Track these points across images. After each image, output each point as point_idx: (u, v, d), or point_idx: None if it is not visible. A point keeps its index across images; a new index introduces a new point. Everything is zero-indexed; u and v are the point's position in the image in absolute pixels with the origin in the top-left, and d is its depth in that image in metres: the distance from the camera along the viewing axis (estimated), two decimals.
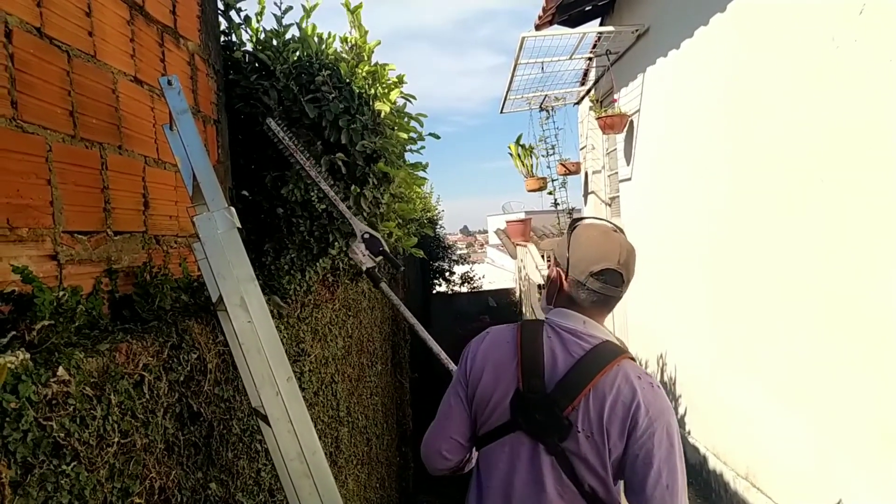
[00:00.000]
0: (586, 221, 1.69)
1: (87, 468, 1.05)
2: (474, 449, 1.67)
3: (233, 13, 2.33)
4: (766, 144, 3.60)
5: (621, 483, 1.54)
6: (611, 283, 1.54)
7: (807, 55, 3.16)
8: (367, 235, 2.34)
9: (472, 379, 1.62)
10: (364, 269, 2.31)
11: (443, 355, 2.35)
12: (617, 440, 1.45)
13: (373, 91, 2.35)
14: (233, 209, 1.41)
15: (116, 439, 1.15)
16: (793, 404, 3.47)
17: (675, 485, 1.42)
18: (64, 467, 1.00)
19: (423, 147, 2.86)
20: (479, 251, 33.47)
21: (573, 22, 6.70)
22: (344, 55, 2.46)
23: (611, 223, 1.67)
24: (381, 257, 2.35)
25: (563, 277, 1.62)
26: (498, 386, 1.56)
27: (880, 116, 2.63)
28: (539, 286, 7.11)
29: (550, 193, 8.17)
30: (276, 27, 2.34)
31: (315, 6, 2.28)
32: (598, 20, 6.99)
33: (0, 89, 1.19)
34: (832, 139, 2.98)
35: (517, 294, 10.43)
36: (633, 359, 1.56)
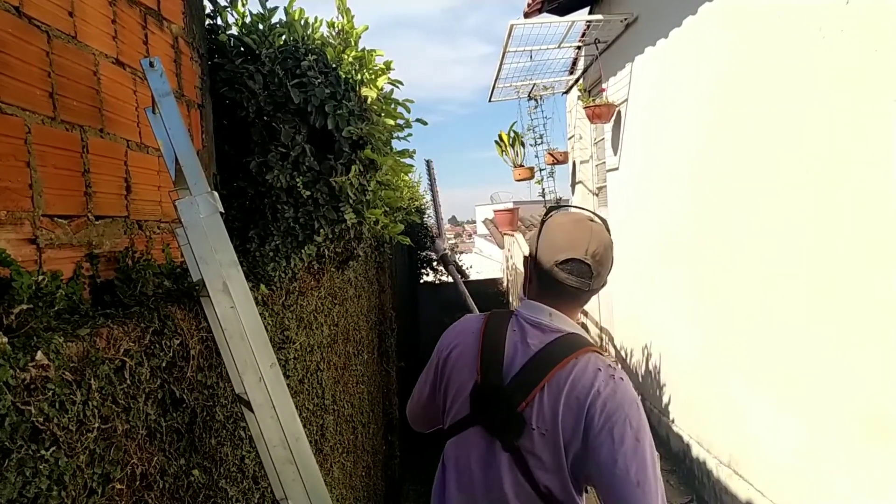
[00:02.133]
0: (561, 209, 1.62)
1: (66, 453, 1.04)
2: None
3: None
4: (753, 134, 3.63)
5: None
6: (576, 275, 1.47)
7: (795, 45, 3.17)
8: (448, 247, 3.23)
9: (440, 366, 1.62)
10: (440, 254, 3.08)
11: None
12: (572, 437, 1.38)
13: (359, 77, 2.33)
14: (215, 193, 1.39)
15: (97, 425, 1.13)
16: (776, 393, 3.51)
17: (646, 482, 1.31)
18: (43, 452, 0.99)
19: (409, 134, 2.85)
20: (468, 241, 33.49)
21: (562, 10, 6.68)
22: (331, 40, 2.44)
23: (590, 212, 1.59)
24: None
25: (533, 266, 1.57)
26: (460, 378, 1.54)
27: (865, 106, 2.65)
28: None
29: (538, 183, 8.19)
30: (261, 11, 2.31)
31: None
32: (588, 8, 6.98)
33: None
34: (819, 129, 3.00)
35: (504, 284, 10.46)
36: (598, 351, 1.48)
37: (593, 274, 1.48)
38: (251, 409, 1.37)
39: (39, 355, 1.03)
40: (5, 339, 0.98)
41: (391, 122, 2.41)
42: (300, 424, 1.42)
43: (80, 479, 1.08)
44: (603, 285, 1.54)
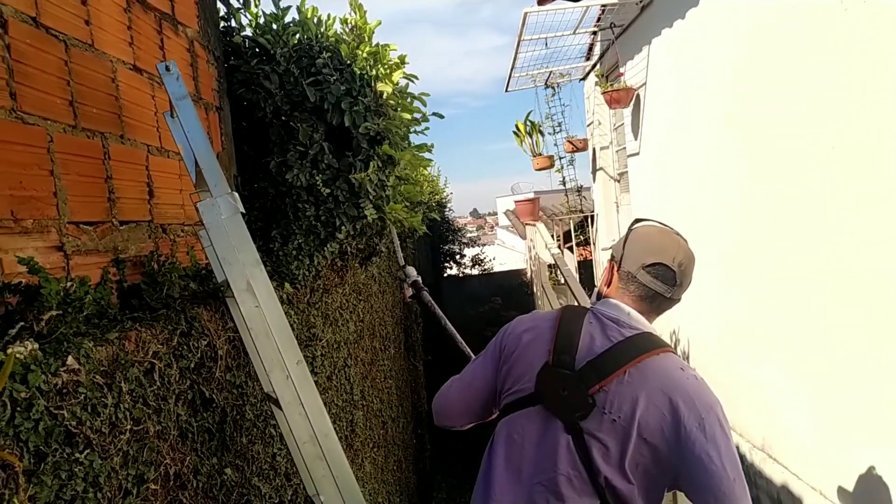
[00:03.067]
0: (649, 221, 1.68)
1: (100, 455, 1.06)
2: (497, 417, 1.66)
3: None
4: (777, 113, 3.55)
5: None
6: (662, 280, 1.53)
7: (817, 19, 3.09)
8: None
9: (505, 353, 1.62)
10: (411, 280, 3.30)
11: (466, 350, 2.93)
12: (656, 433, 1.39)
13: (374, 72, 2.33)
14: (236, 194, 1.40)
15: (129, 426, 1.15)
16: (807, 375, 3.45)
17: (739, 477, 1.39)
18: (77, 455, 1.00)
19: (426, 128, 2.84)
20: (490, 233, 33.43)
21: None
22: (344, 37, 2.44)
23: (673, 228, 1.65)
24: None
25: (615, 269, 1.61)
26: (528, 357, 1.56)
27: (891, 79, 2.58)
28: (549, 266, 7.10)
29: (558, 171, 8.13)
30: (274, 11, 2.32)
31: None
32: None
33: None
34: (844, 106, 2.93)
35: (528, 274, 10.42)
36: (674, 353, 1.53)
37: (677, 282, 1.54)
38: (280, 407, 1.38)
39: (70, 360, 1.04)
40: (36, 346, 1.00)
41: (407, 116, 2.40)
42: (329, 421, 1.43)
43: (114, 481, 1.10)
44: (679, 299, 1.59)
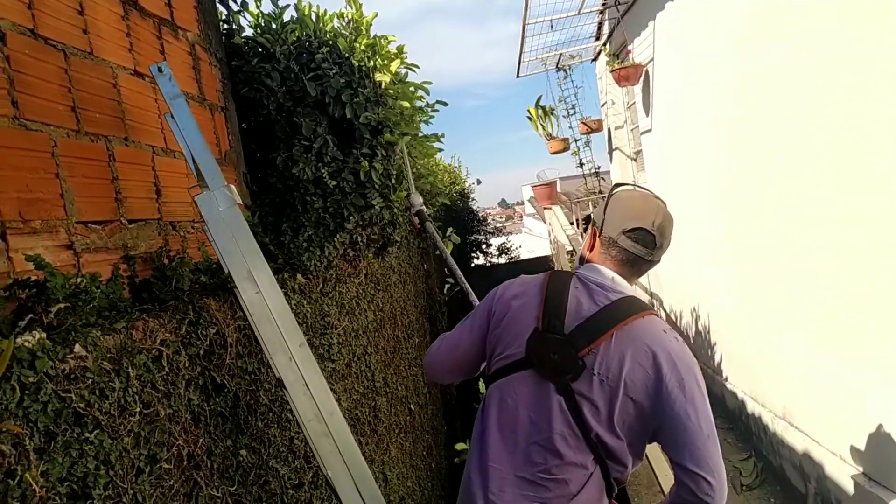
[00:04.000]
0: (628, 186, 1.74)
1: (110, 436, 1.12)
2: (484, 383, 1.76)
3: (230, 1, 2.37)
4: (787, 78, 3.49)
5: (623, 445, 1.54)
6: (642, 243, 1.57)
7: None
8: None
9: (495, 318, 1.67)
10: (415, 210, 3.11)
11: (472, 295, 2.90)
12: (640, 391, 1.47)
13: (372, 63, 2.37)
14: (232, 187, 1.46)
15: (138, 409, 1.22)
16: (826, 342, 3.41)
17: (713, 434, 1.46)
18: (87, 435, 1.07)
19: (432, 116, 2.88)
20: (518, 223, 33.29)
21: None
22: (342, 31, 2.49)
23: (651, 191, 1.70)
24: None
25: (598, 235, 1.66)
26: (518, 323, 1.61)
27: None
28: (568, 252, 7.08)
29: (575, 154, 8.09)
30: (273, 10, 2.37)
31: None
32: None
33: None
34: (857, 72, 2.87)
35: (552, 259, 10.40)
36: (657, 315, 1.59)
37: (657, 245, 1.59)
38: (285, 388, 1.44)
39: (77, 348, 1.11)
40: (44, 335, 1.07)
41: (406, 104, 2.44)
42: (334, 400, 1.48)
43: (126, 460, 1.16)
44: (658, 260, 1.65)
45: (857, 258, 3.03)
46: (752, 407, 4.53)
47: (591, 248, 1.67)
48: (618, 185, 1.75)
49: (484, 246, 12.76)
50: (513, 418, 1.57)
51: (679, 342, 1.53)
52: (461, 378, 1.87)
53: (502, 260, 13.50)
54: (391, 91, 2.43)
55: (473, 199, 11.74)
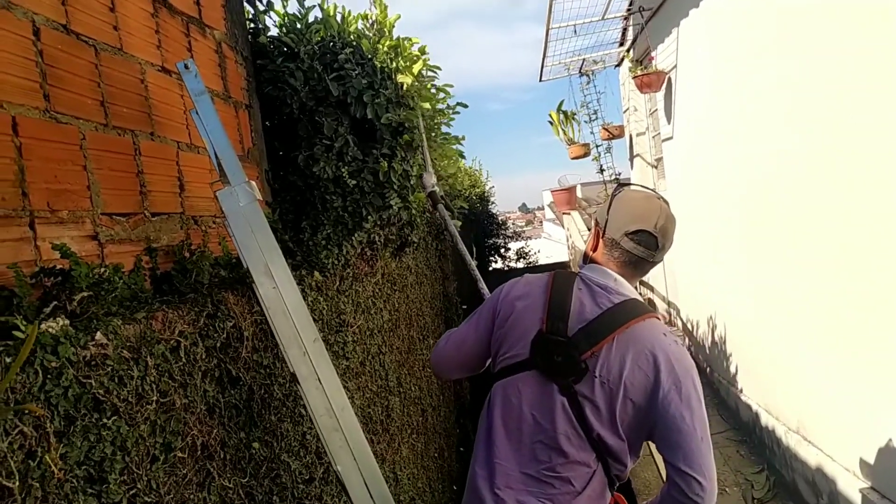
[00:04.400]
0: (632, 186, 1.75)
1: (127, 423, 1.15)
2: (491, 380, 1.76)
3: (257, 1, 2.41)
4: (807, 82, 3.45)
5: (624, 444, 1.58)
6: (644, 245, 1.60)
7: None
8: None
9: (500, 317, 1.70)
10: (428, 190, 2.97)
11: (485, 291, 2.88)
12: (637, 391, 1.50)
13: (395, 65, 2.39)
14: (253, 183, 1.48)
15: (155, 398, 1.24)
16: (841, 356, 3.38)
17: (707, 437, 1.48)
18: (105, 420, 1.10)
19: (452, 119, 2.89)
20: (538, 227, 33.24)
21: None
22: (365, 32, 2.51)
23: (654, 191, 1.72)
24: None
25: (601, 236, 1.68)
26: (522, 324, 1.63)
27: None
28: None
29: (595, 160, 8.06)
30: (299, 9, 2.40)
31: None
32: None
33: (32, 83, 1.30)
34: (868, 88, 2.84)
35: (570, 265, 10.37)
36: (658, 318, 1.61)
37: (658, 246, 1.61)
38: (298, 382, 1.46)
39: (99, 335, 1.14)
40: (67, 322, 1.10)
41: (427, 105, 2.46)
42: (345, 395, 1.50)
43: (142, 447, 1.19)
44: (661, 260, 1.68)
45: (872, 273, 2.99)
46: (765, 419, 4.48)
47: (595, 248, 1.70)
48: (621, 184, 1.77)
49: (503, 250, 12.75)
50: (517, 417, 1.60)
51: (678, 345, 1.55)
52: (467, 374, 1.91)
53: (520, 265, 13.49)
54: (412, 92, 2.45)
55: (493, 203, 11.75)
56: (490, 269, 12.47)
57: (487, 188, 10.32)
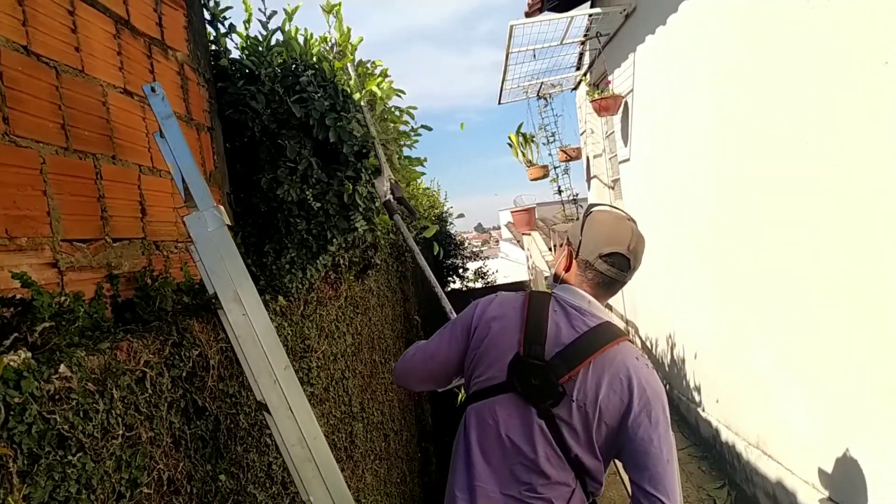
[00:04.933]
0: (602, 207, 1.79)
1: (93, 459, 1.10)
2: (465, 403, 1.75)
3: (218, 23, 2.38)
4: (759, 114, 3.61)
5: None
6: (617, 267, 1.63)
7: (789, 15, 3.16)
8: (392, 180, 2.73)
9: (475, 335, 1.70)
10: (384, 199, 2.81)
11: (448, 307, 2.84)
12: (612, 415, 1.53)
13: (357, 87, 2.39)
14: (221, 208, 1.46)
15: (121, 432, 1.20)
16: (799, 371, 3.49)
17: (673, 461, 1.53)
18: (70, 458, 1.05)
19: (416, 140, 2.90)
20: (495, 247, 33.47)
21: (563, 7, 6.72)
22: (326, 54, 2.51)
23: (625, 213, 1.76)
24: (399, 203, 2.73)
25: (574, 257, 1.70)
26: (498, 346, 1.64)
27: (866, 79, 2.63)
28: (546, 277, 7.15)
29: (553, 181, 8.20)
30: (260, 32, 2.39)
31: (296, 9, 2.34)
32: (588, 3, 7.00)
33: None
34: (823, 106, 2.98)
35: (531, 285, 10.46)
36: (631, 341, 1.65)
37: (630, 267, 1.65)
38: (269, 412, 1.43)
39: (62, 368, 1.09)
40: (29, 354, 1.05)
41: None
42: (317, 424, 1.47)
43: (107, 484, 1.14)
44: (630, 279, 1.71)
45: (830, 287, 3.11)
46: (726, 435, 4.58)
47: (568, 269, 1.72)
48: (592, 205, 1.81)
49: (461, 270, 12.78)
50: (495, 440, 1.61)
51: (649, 369, 1.59)
52: (432, 388, 1.91)
53: (479, 284, 13.53)
54: (377, 113, 2.45)
55: (452, 224, 11.78)
56: (448, 289, 12.47)
57: (446, 209, 10.35)
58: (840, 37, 2.77)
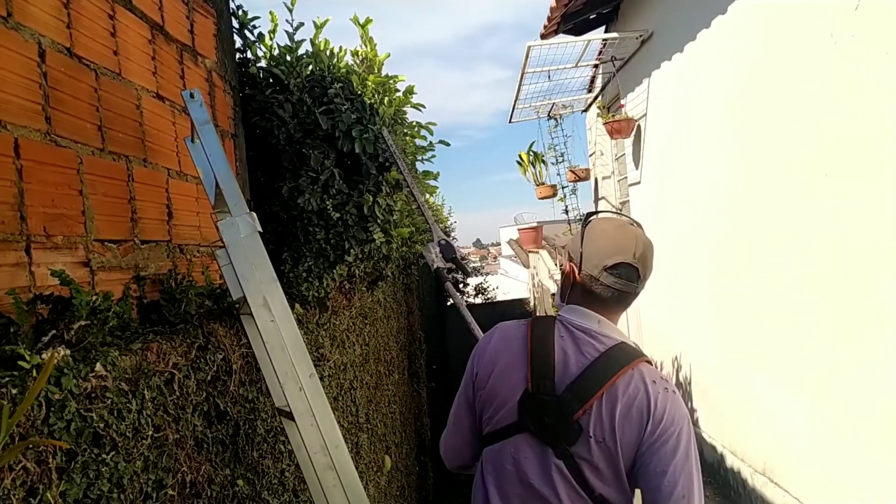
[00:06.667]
0: (601, 215, 1.63)
1: (124, 458, 1.11)
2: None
3: (247, 31, 2.41)
4: (771, 143, 3.64)
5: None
6: (626, 278, 1.48)
7: (807, 52, 3.20)
8: (443, 242, 2.67)
9: (479, 379, 1.58)
10: (433, 267, 2.77)
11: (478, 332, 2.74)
12: (631, 446, 1.40)
13: (384, 101, 2.42)
14: (254, 214, 1.47)
15: (150, 433, 1.21)
16: (807, 399, 3.49)
17: (691, 496, 1.36)
18: (104, 456, 1.06)
19: (433, 156, 2.93)
20: (493, 263, 33.50)
21: (578, 30, 6.79)
22: (355, 68, 2.54)
23: (627, 216, 1.61)
24: (451, 263, 2.67)
25: (576, 272, 1.54)
26: (505, 385, 1.52)
27: (880, 109, 2.66)
28: (553, 294, 7.16)
29: (561, 200, 8.23)
30: (288, 43, 2.42)
31: (326, 22, 2.37)
32: (603, 27, 7.07)
33: (35, 105, 1.27)
34: (835, 135, 3.01)
35: (532, 303, 10.46)
36: (649, 362, 1.50)
37: (640, 276, 1.50)
38: (292, 419, 1.43)
39: (98, 367, 1.10)
40: (68, 352, 1.06)
41: (411, 140, 2.49)
42: (339, 432, 1.47)
43: (136, 484, 1.15)
44: (643, 289, 1.55)
45: (839, 317, 3.12)
46: (731, 461, 4.57)
47: (572, 286, 1.58)
48: (590, 213, 1.64)
49: (461, 285, 12.78)
50: (514, 482, 1.50)
51: (668, 392, 1.44)
52: (476, 453, 1.69)
53: (478, 300, 13.53)
54: (399, 128, 2.48)
55: (454, 238, 11.81)
56: (448, 303, 12.47)
57: (449, 223, 10.38)
58: (860, 75, 2.81)
